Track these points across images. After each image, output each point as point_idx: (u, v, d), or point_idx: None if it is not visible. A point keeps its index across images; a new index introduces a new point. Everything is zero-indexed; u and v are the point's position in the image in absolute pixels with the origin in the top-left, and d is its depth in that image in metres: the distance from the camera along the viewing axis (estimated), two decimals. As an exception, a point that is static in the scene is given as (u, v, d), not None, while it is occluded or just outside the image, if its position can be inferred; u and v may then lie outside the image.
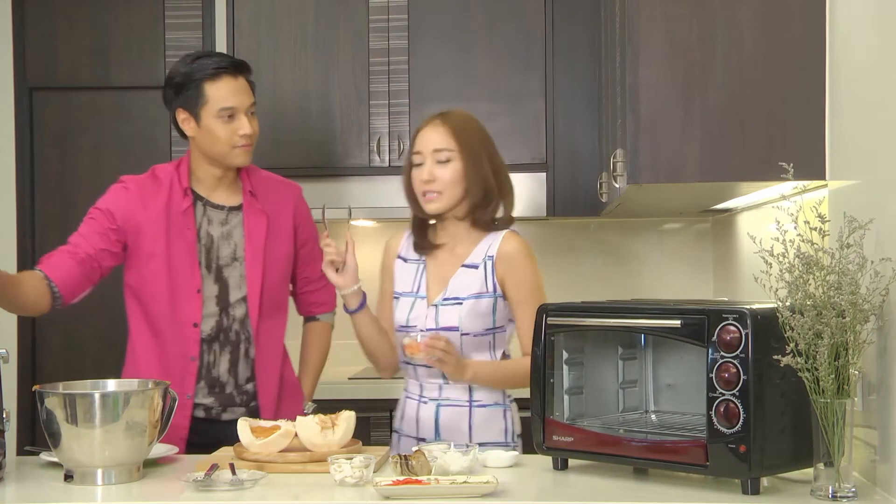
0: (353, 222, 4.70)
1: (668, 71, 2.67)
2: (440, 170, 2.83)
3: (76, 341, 4.62)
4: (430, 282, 2.90)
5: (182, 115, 3.07)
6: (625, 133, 2.83)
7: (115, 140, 4.57)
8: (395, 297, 2.94)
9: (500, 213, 2.92)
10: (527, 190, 4.41)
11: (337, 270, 2.83)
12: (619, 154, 3.02)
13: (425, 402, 2.89)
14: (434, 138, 2.85)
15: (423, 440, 2.85)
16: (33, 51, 4.69)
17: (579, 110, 4.46)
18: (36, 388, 2.50)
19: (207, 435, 2.97)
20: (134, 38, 2.97)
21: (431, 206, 2.86)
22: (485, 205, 2.86)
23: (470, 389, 2.85)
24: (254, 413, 3.08)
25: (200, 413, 3.05)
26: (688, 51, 2.67)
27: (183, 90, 3.05)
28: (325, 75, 4.51)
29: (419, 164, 2.86)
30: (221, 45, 4.56)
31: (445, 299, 2.85)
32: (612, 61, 3.34)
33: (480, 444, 2.69)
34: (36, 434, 4.42)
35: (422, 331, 2.83)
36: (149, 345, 3.08)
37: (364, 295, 2.87)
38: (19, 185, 4.72)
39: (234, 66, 3.08)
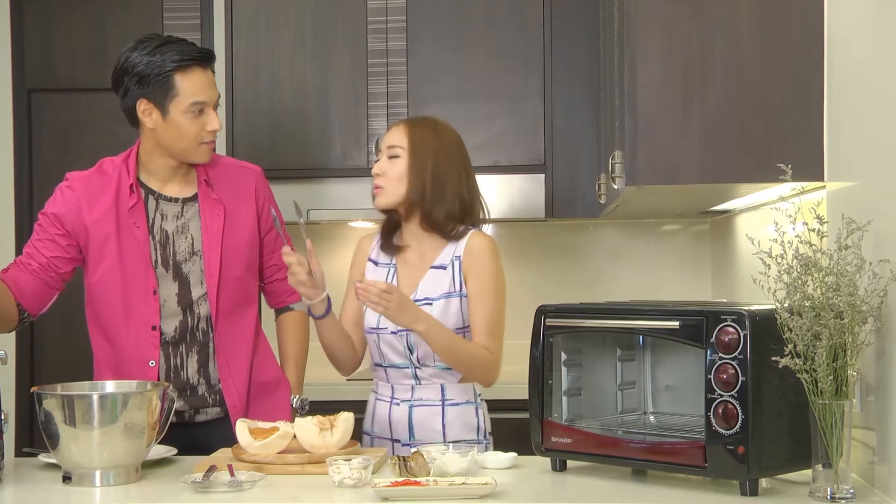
0: (351, 224, 4.70)
1: (666, 72, 2.67)
2: (388, 165, 2.88)
3: (74, 343, 4.61)
4: (400, 285, 2.91)
5: (144, 107, 2.88)
6: (623, 134, 2.83)
7: (113, 141, 4.55)
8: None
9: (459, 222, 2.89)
10: (525, 191, 4.42)
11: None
12: (617, 155, 3.02)
13: (398, 404, 2.89)
14: (392, 136, 2.90)
15: (398, 441, 2.88)
16: (31, 52, 4.69)
17: (578, 111, 4.46)
18: (34, 389, 2.49)
19: (179, 440, 2.80)
20: (132, 39, 2.95)
21: (377, 200, 2.90)
22: (421, 207, 2.86)
23: (442, 389, 2.86)
24: (228, 412, 2.98)
25: (171, 418, 2.68)
26: (686, 52, 2.67)
27: (148, 81, 2.86)
28: (323, 76, 4.51)
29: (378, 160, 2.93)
30: (220, 47, 4.56)
31: (416, 300, 2.86)
32: (611, 62, 3.34)
33: (454, 442, 2.73)
34: (34, 436, 4.42)
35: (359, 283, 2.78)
36: (106, 352, 2.96)
37: (329, 300, 2.83)
38: (18, 186, 4.73)
39: (204, 57, 2.92)
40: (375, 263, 2.97)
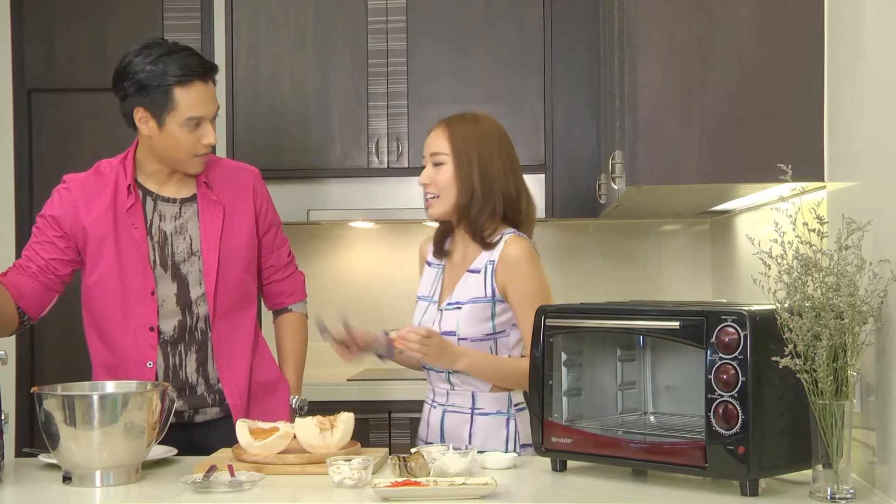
0: (352, 224, 4.70)
1: (666, 72, 2.67)
2: (435, 173, 2.84)
3: (74, 343, 4.59)
4: (444, 287, 2.92)
5: (141, 115, 2.88)
6: (623, 134, 2.83)
7: (113, 142, 4.54)
8: (417, 301, 2.97)
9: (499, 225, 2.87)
10: (525, 191, 4.41)
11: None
12: (617, 155, 3.02)
13: (435, 407, 2.91)
14: (433, 142, 2.87)
15: (432, 444, 2.86)
16: (32, 52, 4.69)
17: (578, 111, 4.46)
18: (34, 389, 2.49)
19: (179, 441, 2.79)
20: (132, 39, 2.95)
21: (430, 211, 2.88)
22: (469, 212, 2.83)
23: (473, 397, 2.84)
24: (227, 412, 2.98)
25: (171, 418, 2.62)
26: (686, 52, 2.67)
27: (148, 90, 2.86)
28: (323, 77, 4.51)
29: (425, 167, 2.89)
30: (220, 47, 4.56)
31: (449, 304, 2.86)
32: (611, 62, 3.34)
33: (481, 453, 2.66)
34: (34, 436, 4.42)
35: (395, 330, 2.81)
36: (103, 355, 2.96)
37: (390, 346, 2.85)
38: (18, 187, 4.73)
39: (205, 72, 2.90)
40: (429, 265, 2.99)
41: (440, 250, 2.96)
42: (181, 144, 2.88)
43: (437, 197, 2.85)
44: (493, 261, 2.83)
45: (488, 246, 2.85)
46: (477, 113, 2.93)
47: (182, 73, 2.85)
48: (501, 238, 2.84)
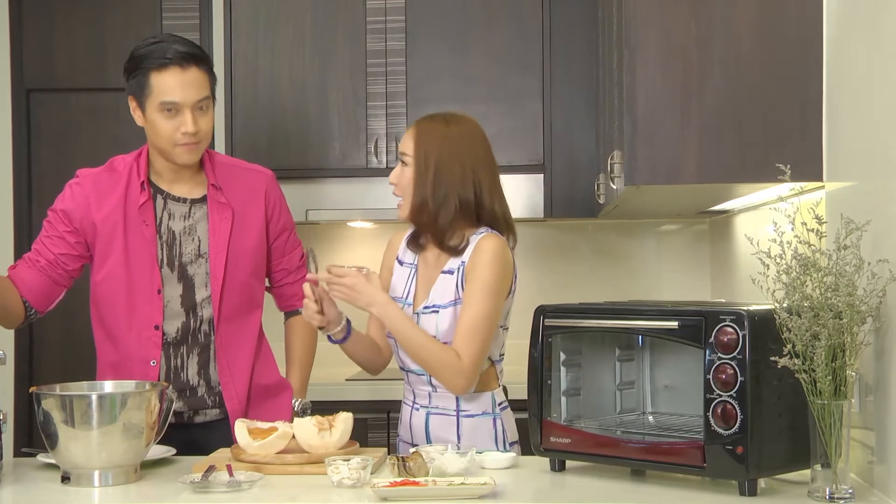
0: (350, 224, 4.71)
1: (665, 72, 2.67)
2: (401, 172, 2.80)
3: (74, 343, 4.62)
4: (418, 288, 2.86)
5: (133, 105, 2.89)
6: (622, 134, 2.83)
7: (112, 142, 4.56)
8: None
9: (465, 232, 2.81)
10: (524, 191, 4.42)
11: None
12: (616, 155, 3.02)
13: (417, 409, 2.87)
14: (404, 141, 2.83)
15: (416, 446, 2.84)
16: (30, 52, 4.69)
17: (577, 112, 4.46)
18: (33, 389, 2.49)
19: (178, 441, 2.78)
20: (131, 39, 2.96)
21: (399, 212, 2.83)
22: (422, 217, 2.78)
23: (457, 399, 2.81)
24: (227, 414, 2.97)
25: (170, 419, 2.63)
26: (685, 52, 2.67)
27: (132, 76, 2.87)
28: (322, 76, 4.51)
29: None
30: (219, 47, 4.57)
31: (426, 307, 2.81)
32: (610, 63, 3.34)
33: (479, 452, 2.64)
34: (33, 436, 4.42)
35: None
36: (109, 353, 2.96)
37: (348, 323, 2.81)
38: (16, 187, 4.73)
39: (183, 57, 2.84)
40: (401, 263, 2.92)
41: (415, 244, 2.88)
42: (160, 132, 2.86)
43: (402, 198, 2.81)
44: (465, 262, 2.79)
45: (456, 252, 2.79)
46: (454, 113, 2.86)
47: (158, 57, 2.84)
48: (470, 241, 2.79)
